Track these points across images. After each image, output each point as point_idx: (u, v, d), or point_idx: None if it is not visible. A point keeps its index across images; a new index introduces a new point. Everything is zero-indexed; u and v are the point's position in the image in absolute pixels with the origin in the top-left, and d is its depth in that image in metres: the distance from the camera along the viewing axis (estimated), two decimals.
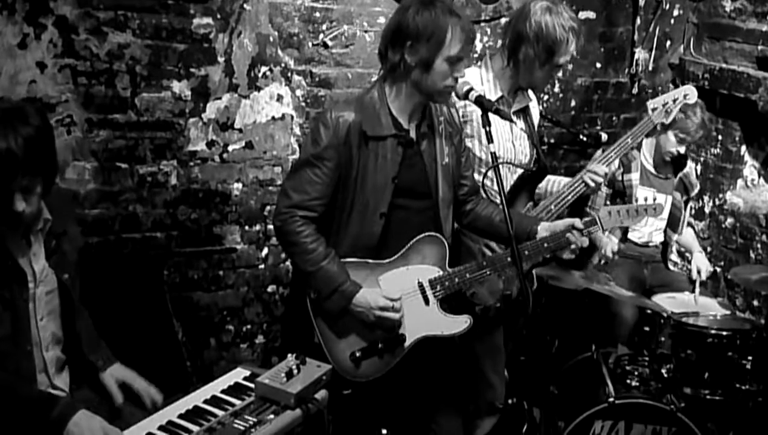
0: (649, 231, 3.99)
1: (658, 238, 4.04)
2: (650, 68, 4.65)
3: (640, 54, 4.60)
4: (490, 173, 2.77)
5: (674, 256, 4.25)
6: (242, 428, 2.00)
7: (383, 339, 2.58)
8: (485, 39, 4.06)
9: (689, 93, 3.44)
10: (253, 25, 3.47)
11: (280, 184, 3.57)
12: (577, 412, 3.11)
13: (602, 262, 3.85)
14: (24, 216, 2.03)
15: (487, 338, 3.19)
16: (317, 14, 3.61)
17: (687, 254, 4.22)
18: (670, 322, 3.27)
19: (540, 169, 3.20)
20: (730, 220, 4.50)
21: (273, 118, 3.61)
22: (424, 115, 2.63)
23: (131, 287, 3.28)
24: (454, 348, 2.82)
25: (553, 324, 4.07)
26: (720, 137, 4.52)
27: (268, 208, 3.67)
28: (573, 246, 2.75)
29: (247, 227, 3.67)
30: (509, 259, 2.63)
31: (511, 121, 2.72)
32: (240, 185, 3.61)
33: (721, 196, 4.54)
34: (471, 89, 2.54)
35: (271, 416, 2.05)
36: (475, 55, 3.89)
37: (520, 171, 3.15)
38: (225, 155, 3.54)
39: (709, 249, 4.57)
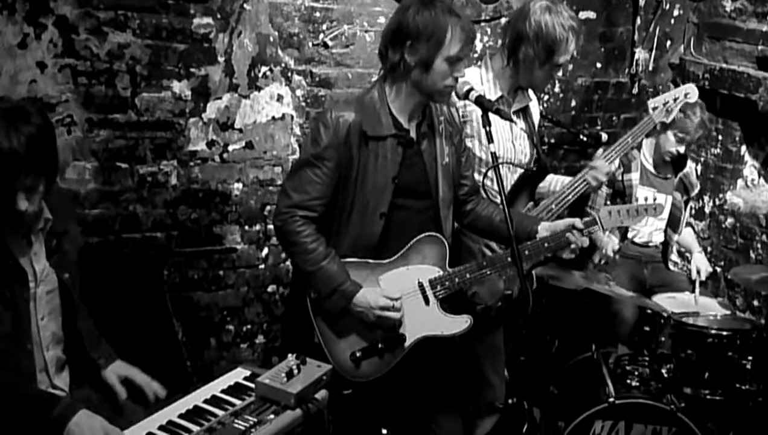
0: (649, 231, 3.99)
1: (658, 238, 4.03)
2: (650, 68, 4.65)
3: (640, 54, 4.60)
4: (490, 173, 2.77)
5: (674, 256, 4.25)
6: (242, 428, 2.00)
7: (383, 339, 2.58)
8: (485, 39, 4.06)
9: (690, 92, 3.44)
10: (253, 25, 3.47)
11: (280, 184, 3.57)
12: (577, 412, 3.11)
13: (602, 261, 3.85)
14: (26, 215, 2.03)
15: (487, 338, 3.19)
16: (317, 14, 3.61)
17: (687, 254, 4.23)
18: (670, 322, 3.27)
19: (540, 168, 3.20)
20: (730, 220, 4.50)
21: (273, 118, 3.61)
22: (424, 114, 2.63)
23: (131, 287, 3.28)
24: (454, 348, 2.82)
25: (553, 324, 4.07)
26: (720, 137, 4.52)
27: (268, 208, 3.67)
28: (573, 246, 2.75)
29: (247, 227, 3.67)
30: (509, 259, 2.63)
31: (511, 121, 2.72)
32: (240, 185, 3.61)
33: (721, 196, 4.54)
34: (471, 89, 2.54)
35: (272, 416, 2.05)
36: (475, 55, 3.89)
37: (520, 171, 3.15)
38: (225, 155, 3.54)
39: (709, 249, 4.57)
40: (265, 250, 3.74)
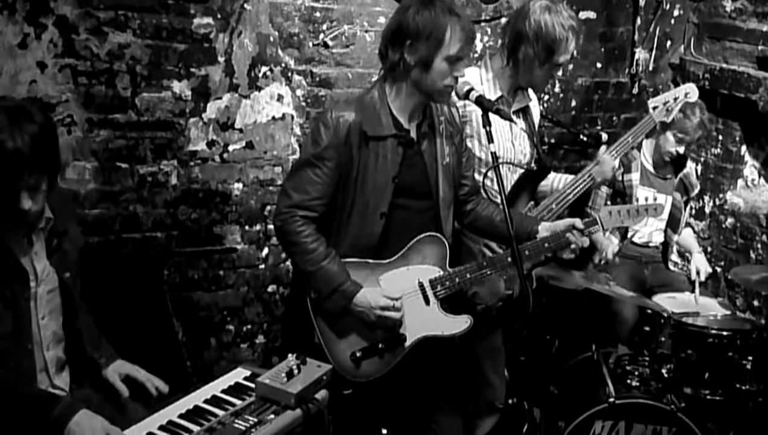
0: (649, 231, 3.99)
1: (658, 239, 4.03)
2: (650, 68, 4.65)
3: (640, 54, 4.60)
4: (491, 173, 2.76)
5: (675, 257, 4.25)
6: (243, 428, 2.00)
7: (384, 339, 2.58)
8: (485, 39, 4.06)
9: (690, 91, 3.44)
10: (253, 25, 3.47)
11: (280, 184, 3.57)
12: (577, 412, 3.11)
13: (602, 262, 3.85)
14: (30, 214, 2.04)
15: (487, 338, 3.19)
16: (317, 14, 3.61)
17: (687, 254, 4.23)
18: (670, 322, 3.27)
19: (540, 168, 3.20)
20: (730, 220, 4.50)
21: (273, 118, 3.61)
22: (424, 114, 2.63)
23: (131, 287, 3.28)
24: (454, 348, 2.82)
25: (553, 324, 4.06)
26: (720, 137, 4.52)
27: (268, 208, 3.67)
28: (573, 246, 2.75)
29: (247, 227, 3.67)
30: (509, 259, 2.63)
31: (511, 120, 2.72)
32: (240, 185, 3.61)
33: (721, 196, 4.54)
34: (471, 89, 2.54)
35: (272, 416, 2.05)
36: (475, 55, 3.89)
37: (520, 171, 3.15)
38: (225, 155, 3.54)
39: (709, 249, 4.58)
40: (266, 250, 3.74)
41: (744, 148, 4.43)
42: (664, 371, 3.25)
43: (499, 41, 3.15)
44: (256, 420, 2.03)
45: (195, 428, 2.02)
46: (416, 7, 2.44)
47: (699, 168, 4.52)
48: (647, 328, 3.46)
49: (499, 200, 2.63)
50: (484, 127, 2.49)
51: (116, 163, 3.30)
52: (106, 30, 3.16)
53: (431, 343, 2.65)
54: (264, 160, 3.63)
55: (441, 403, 2.86)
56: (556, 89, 4.43)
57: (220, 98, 3.46)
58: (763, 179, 4.36)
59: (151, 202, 3.41)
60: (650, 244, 4.02)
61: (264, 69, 3.54)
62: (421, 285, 2.62)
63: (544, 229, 2.74)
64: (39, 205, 2.06)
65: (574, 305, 3.96)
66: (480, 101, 2.52)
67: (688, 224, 4.22)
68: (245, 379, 2.27)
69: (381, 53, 2.55)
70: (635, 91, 4.69)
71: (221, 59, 3.43)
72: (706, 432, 3.13)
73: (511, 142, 3.09)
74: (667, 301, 3.53)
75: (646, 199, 3.84)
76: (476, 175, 2.95)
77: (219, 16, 3.39)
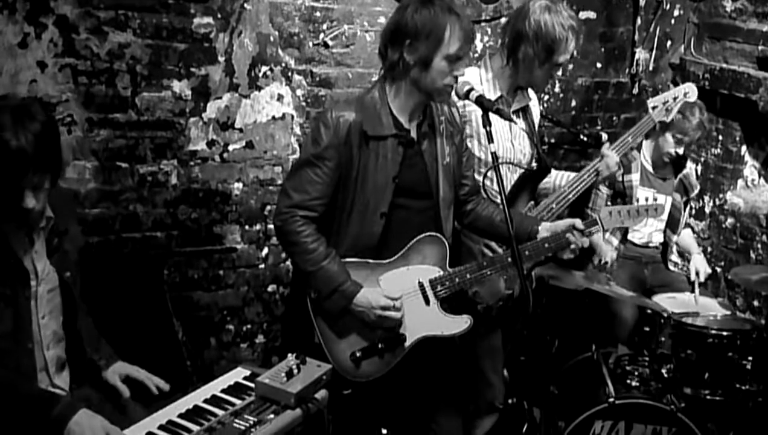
0: (649, 231, 3.99)
1: (658, 239, 4.04)
2: (651, 68, 4.65)
3: (640, 54, 4.60)
4: (491, 173, 2.76)
5: (674, 257, 4.25)
6: (242, 428, 2.00)
7: (383, 339, 2.58)
8: (485, 39, 4.06)
9: (689, 91, 3.44)
10: (253, 25, 3.47)
11: (280, 184, 3.57)
12: (577, 412, 3.11)
13: (602, 262, 3.85)
14: (32, 213, 2.04)
15: (486, 338, 3.19)
16: (318, 14, 3.61)
17: (687, 255, 4.23)
18: (670, 322, 3.27)
19: (540, 168, 3.20)
20: (730, 220, 4.50)
21: (273, 117, 3.61)
22: (424, 114, 2.63)
23: (131, 287, 3.28)
24: (454, 348, 2.82)
25: (553, 324, 4.07)
26: (720, 137, 4.52)
27: (268, 207, 3.67)
28: (573, 246, 2.75)
29: (247, 227, 3.67)
30: (510, 259, 2.63)
31: (511, 120, 2.71)
32: (240, 185, 3.61)
33: (721, 196, 4.54)
34: (471, 89, 2.54)
35: (271, 416, 2.05)
36: (475, 55, 3.89)
37: (520, 171, 3.15)
38: (225, 155, 3.54)
39: (709, 249, 4.57)
40: (265, 250, 3.74)
41: (744, 148, 4.43)
42: (664, 371, 3.25)
43: (499, 41, 3.15)
44: (255, 420, 2.03)
45: (195, 428, 2.02)
46: (415, 6, 2.44)
47: (699, 168, 4.53)
48: (647, 328, 3.46)
49: (499, 200, 2.63)
50: (484, 126, 2.49)
51: (116, 162, 3.31)
52: (106, 29, 3.16)
53: (431, 343, 2.64)
54: (264, 160, 3.63)
55: (441, 403, 2.86)
56: (556, 89, 4.43)
57: (220, 98, 3.47)
58: (763, 179, 4.36)
59: (151, 201, 3.41)
60: (650, 245, 4.03)
61: (264, 69, 3.54)
62: (421, 285, 2.62)
63: (545, 229, 2.74)
64: (41, 204, 2.06)
65: (574, 305, 3.96)
66: (480, 101, 2.51)
67: (687, 225, 4.22)
68: (245, 378, 2.27)
69: (381, 53, 2.55)
70: (635, 91, 4.69)
71: (221, 59, 3.43)
72: (706, 432, 3.13)
73: (511, 142, 3.09)
74: (667, 302, 3.53)
75: (646, 200, 3.84)
76: (476, 175, 2.95)
77: (219, 15, 3.39)
